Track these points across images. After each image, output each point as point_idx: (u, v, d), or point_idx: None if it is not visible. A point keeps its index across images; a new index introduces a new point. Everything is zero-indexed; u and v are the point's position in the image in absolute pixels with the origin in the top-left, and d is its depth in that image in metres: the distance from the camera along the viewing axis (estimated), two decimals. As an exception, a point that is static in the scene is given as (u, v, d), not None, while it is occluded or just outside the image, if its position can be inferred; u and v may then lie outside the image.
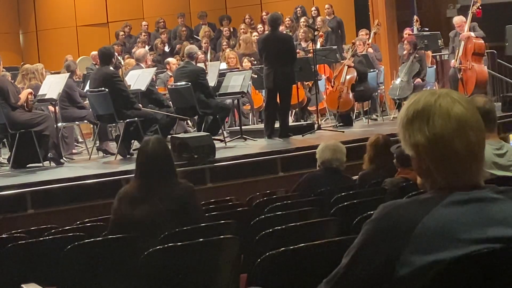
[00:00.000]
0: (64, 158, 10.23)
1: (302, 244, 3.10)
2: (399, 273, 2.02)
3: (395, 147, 6.06)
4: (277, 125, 11.47)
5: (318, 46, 13.92)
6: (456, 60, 12.88)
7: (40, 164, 9.64)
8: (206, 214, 5.21)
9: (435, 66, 14.85)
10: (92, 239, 4.26)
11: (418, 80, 13.41)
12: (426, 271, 1.98)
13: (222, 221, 4.55)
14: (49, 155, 9.75)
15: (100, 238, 4.39)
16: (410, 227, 2.02)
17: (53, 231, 5.42)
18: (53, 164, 9.78)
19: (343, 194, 5.38)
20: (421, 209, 2.05)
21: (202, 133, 10.05)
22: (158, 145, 4.59)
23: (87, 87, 11.45)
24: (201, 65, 12.35)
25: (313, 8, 16.78)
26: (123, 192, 4.56)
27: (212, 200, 6.96)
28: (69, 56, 14.62)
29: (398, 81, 13.58)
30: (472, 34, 12.81)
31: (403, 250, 2.02)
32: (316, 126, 12.01)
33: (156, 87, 12.27)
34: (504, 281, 2.00)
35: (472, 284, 1.98)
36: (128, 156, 10.10)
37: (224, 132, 11.72)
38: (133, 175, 4.73)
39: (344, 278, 2.13)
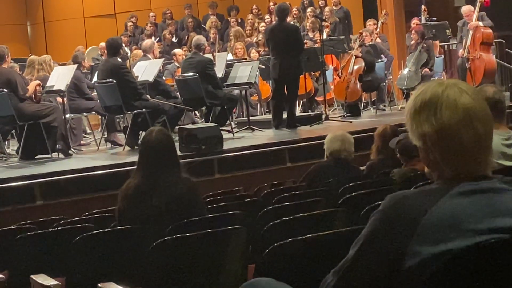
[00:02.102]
0: (72, 149, 10.25)
1: (310, 235, 3.10)
2: (406, 264, 2.02)
3: (394, 142, 6.05)
4: (284, 115, 11.46)
5: (325, 36, 13.88)
6: (464, 50, 12.83)
7: (49, 156, 9.66)
8: (214, 205, 5.22)
9: (443, 56, 14.80)
10: (100, 230, 4.26)
11: (426, 70, 13.38)
12: (433, 261, 1.98)
13: (230, 212, 4.55)
14: (57, 146, 9.77)
15: (109, 229, 4.39)
16: (417, 218, 2.02)
17: (61, 222, 5.44)
18: (61, 155, 9.81)
19: (351, 184, 5.37)
20: (428, 200, 2.05)
21: (210, 124, 10.06)
22: (162, 135, 4.56)
23: (95, 78, 11.46)
24: (208, 55, 12.34)
25: (321, -2, 16.75)
26: (125, 188, 4.52)
27: (220, 191, 6.97)
28: (80, 47, 14.61)
29: (406, 71, 13.56)
30: (480, 23, 12.76)
31: (410, 241, 2.02)
32: (323, 116, 11.99)
33: (164, 78, 12.28)
34: (508, 271, 2.00)
35: (480, 274, 1.98)
36: (136, 147, 10.11)
37: (232, 123, 11.72)
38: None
39: (352, 268, 2.13)
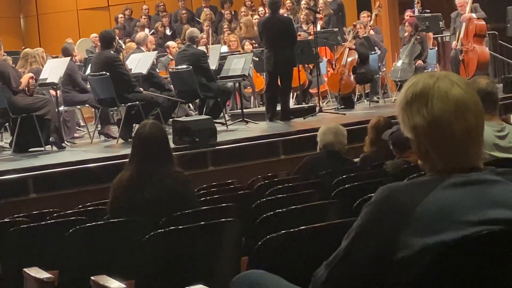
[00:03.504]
0: (66, 142, 10.24)
1: (303, 227, 3.10)
2: (398, 255, 2.03)
3: (387, 134, 6.05)
4: (278, 108, 11.46)
5: (319, 28, 13.87)
6: (458, 42, 12.83)
7: (42, 148, 9.65)
8: (208, 197, 5.22)
9: (436, 48, 14.81)
10: (94, 223, 4.26)
11: (420, 62, 13.39)
12: (425, 253, 1.99)
13: (224, 204, 4.55)
14: (50, 139, 9.75)
15: (102, 222, 4.39)
16: (409, 210, 2.03)
17: (55, 215, 5.43)
18: (54, 148, 9.79)
19: (344, 176, 5.37)
20: (420, 192, 2.05)
21: (203, 117, 10.05)
22: (155, 128, 4.55)
23: (88, 71, 11.44)
24: (202, 48, 12.33)
25: (314, -10, 16.71)
26: (117, 181, 4.51)
27: (214, 183, 6.96)
28: (68, 39, 14.57)
29: (399, 63, 13.56)
30: (474, 15, 12.76)
31: (402, 233, 2.02)
32: (317, 108, 11.99)
33: (157, 70, 12.25)
34: (503, 263, 2.00)
35: (472, 266, 1.98)
36: (129, 140, 10.10)
37: (226, 115, 11.71)
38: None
39: (344, 260, 2.14)
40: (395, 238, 2.03)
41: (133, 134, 10.08)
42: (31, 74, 10.04)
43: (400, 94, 2.19)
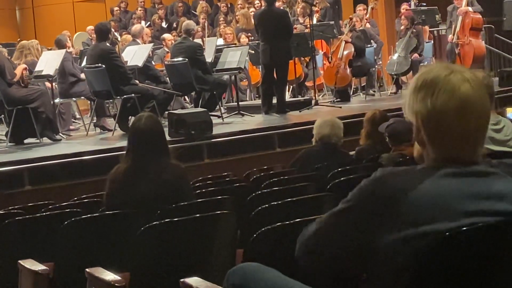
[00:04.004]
0: (61, 134, 10.23)
1: (299, 219, 3.10)
2: (385, 239, 2.03)
3: (383, 126, 6.06)
4: (274, 101, 11.45)
5: (315, 21, 13.86)
6: (454, 35, 12.84)
7: (38, 141, 9.64)
8: (203, 190, 5.22)
9: (432, 41, 14.81)
10: (89, 215, 4.25)
11: (416, 55, 13.38)
12: (416, 240, 1.99)
13: (219, 197, 4.55)
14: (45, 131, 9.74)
15: (97, 214, 4.39)
16: (402, 195, 2.03)
17: (50, 207, 5.42)
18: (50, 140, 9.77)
19: (339, 169, 5.38)
20: (416, 178, 2.06)
21: (199, 109, 10.04)
22: (151, 121, 4.55)
23: (83, 63, 11.42)
24: (198, 41, 12.31)
25: (311, -17, 16.67)
26: (114, 173, 4.50)
27: (209, 176, 6.96)
28: (66, 32, 14.53)
29: (395, 56, 13.56)
30: (470, 9, 12.77)
31: (391, 217, 2.03)
32: (313, 101, 12.00)
33: (153, 63, 12.23)
34: (497, 255, 2.00)
35: (465, 256, 1.98)
36: (124, 132, 10.09)
37: (221, 108, 11.71)
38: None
39: (334, 223, 2.17)
40: (382, 221, 2.04)
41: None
42: (24, 66, 10.01)
43: (413, 78, 2.19)
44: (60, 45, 11.93)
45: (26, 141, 9.80)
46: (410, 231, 2.00)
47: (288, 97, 12.89)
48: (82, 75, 10.93)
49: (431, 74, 2.11)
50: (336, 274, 2.27)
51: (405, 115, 2.20)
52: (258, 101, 12.26)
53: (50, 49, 12.35)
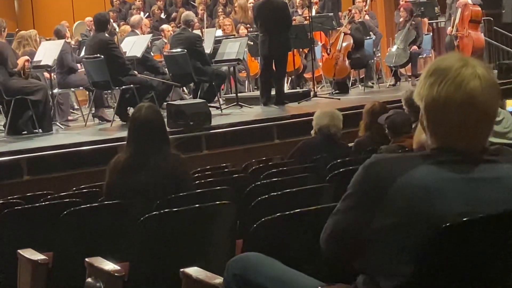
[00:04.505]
0: (59, 124, 10.23)
1: (298, 210, 3.11)
2: (375, 224, 2.04)
3: (383, 118, 6.07)
4: (273, 92, 11.45)
5: (314, 13, 13.84)
6: (453, 28, 12.83)
7: (36, 131, 9.63)
8: (202, 181, 5.22)
9: (431, 34, 14.81)
10: (88, 205, 4.26)
11: (415, 47, 13.38)
12: (404, 228, 2.00)
13: (218, 188, 4.55)
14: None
15: (96, 204, 4.39)
16: (390, 181, 2.05)
17: (49, 197, 5.43)
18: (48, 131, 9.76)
19: (338, 161, 5.39)
20: (406, 165, 2.07)
21: (198, 100, 10.04)
22: (151, 112, 4.54)
23: (82, 53, 11.41)
24: (197, 32, 12.29)
25: (310, -25, 16.64)
26: (114, 163, 4.50)
27: (208, 167, 6.97)
28: (64, 22, 14.50)
29: (394, 48, 13.55)
30: (469, 1, 12.75)
31: (381, 202, 2.05)
32: (312, 93, 12.00)
33: (152, 54, 12.22)
34: (488, 243, 2.00)
35: (456, 246, 1.98)
36: (125, 122, 10.09)
37: (220, 99, 11.70)
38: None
39: (337, 214, 2.20)
40: (373, 206, 2.06)
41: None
42: (27, 57, 10.00)
43: (430, 63, 2.20)
44: (59, 35, 11.90)
45: (24, 131, 9.78)
46: (397, 218, 2.01)
47: (286, 88, 12.89)
48: (80, 67, 10.90)
49: (445, 62, 2.12)
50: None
51: (414, 97, 2.20)
52: (257, 93, 12.26)
53: (49, 39, 12.32)
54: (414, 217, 2.00)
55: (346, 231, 2.16)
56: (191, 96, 11.88)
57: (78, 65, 11.12)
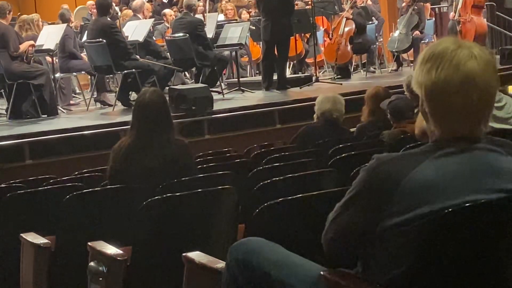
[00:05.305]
0: (61, 108, 10.23)
1: (300, 195, 3.12)
2: (386, 223, 2.05)
3: (385, 103, 6.06)
4: (275, 77, 11.44)
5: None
6: (455, 13, 12.80)
7: (38, 115, 9.63)
8: (204, 165, 5.22)
9: (434, 19, 14.77)
10: (90, 189, 4.26)
11: (417, 32, 13.35)
12: (412, 224, 2.00)
13: (220, 172, 4.56)
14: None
15: (99, 188, 4.40)
16: (395, 183, 2.04)
17: (51, 181, 5.44)
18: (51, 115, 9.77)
19: (340, 146, 5.39)
20: (410, 164, 2.07)
21: (200, 85, 10.04)
22: (156, 96, 4.54)
23: (84, 38, 11.40)
24: (199, 16, 12.27)
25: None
26: (118, 147, 4.50)
27: (210, 152, 6.97)
28: (64, 5, 14.47)
29: (396, 33, 13.53)
30: (472, -14, 12.72)
31: (389, 204, 2.04)
32: (314, 78, 11.99)
33: (154, 38, 12.20)
34: (494, 232, 2.01)
35: (462, 234, 1.99)
36: (127, 107, 10.10)
37: (222, 84, 11.69)
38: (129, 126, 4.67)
39: (337, 219, 2.20)
40: (381, 209, 2.06)
41: (130, 102, 10.14)
42: (32, 42, 10.00)
43: (424, 49, 2.20)
44: (64, 19, 11.89)
45: (26, 115, 9.78)
46: (404, 217, 2.02)
47: (288, 73, 12.87)
48: (82, 52, 10.90)
49: (440, 47, 2.11)
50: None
51: (412, 86, 2.20)
52: (259, 77, 12.24)
53: (52, 23, 12.29)
54: (420, 212, 2.00)
55: (350, 234, 2.17)
56: (193, 80, 11.88)
57: (80, 52, 11.09)
